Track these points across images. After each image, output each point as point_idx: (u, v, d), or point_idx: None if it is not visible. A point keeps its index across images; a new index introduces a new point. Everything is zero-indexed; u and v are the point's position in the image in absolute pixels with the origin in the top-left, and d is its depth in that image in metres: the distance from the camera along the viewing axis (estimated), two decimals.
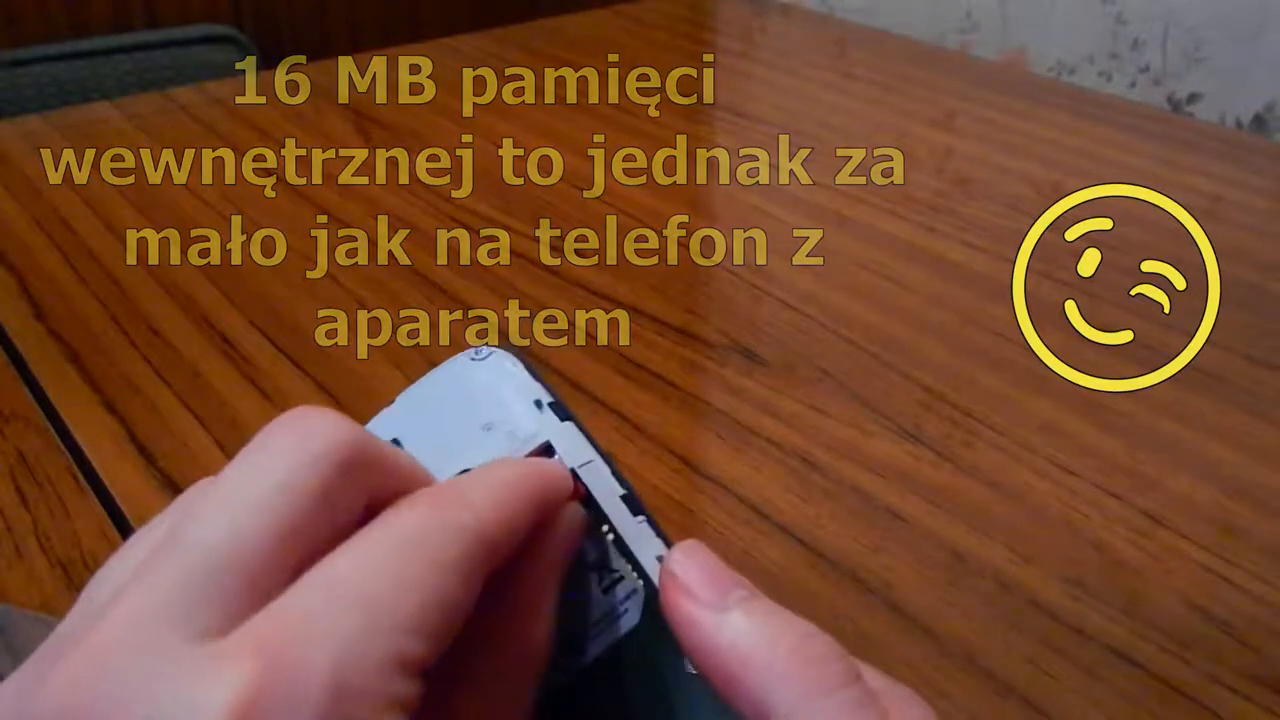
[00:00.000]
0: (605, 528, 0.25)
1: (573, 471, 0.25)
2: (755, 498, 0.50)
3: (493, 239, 0.73)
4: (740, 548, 0.47)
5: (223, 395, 0.57)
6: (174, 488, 0.51)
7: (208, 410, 0.56)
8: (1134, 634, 0.43)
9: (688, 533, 0.44)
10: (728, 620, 0.22)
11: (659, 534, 0.25)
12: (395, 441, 0.27)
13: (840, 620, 0.44)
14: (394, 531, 0.21)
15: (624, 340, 0.62)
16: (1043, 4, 1.20)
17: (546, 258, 0.71)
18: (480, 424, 0.26)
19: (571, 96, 0.98)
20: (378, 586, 0.19)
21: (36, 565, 0.46)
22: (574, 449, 0.26)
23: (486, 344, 0.27)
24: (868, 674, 0.23)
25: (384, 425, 0.28)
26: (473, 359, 0.27)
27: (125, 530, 0.48)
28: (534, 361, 0.28)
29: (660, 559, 0.25)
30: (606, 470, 0.26)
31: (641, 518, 0.25)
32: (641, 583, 0.25)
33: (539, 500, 0.24)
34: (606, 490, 0.25)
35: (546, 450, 0.26)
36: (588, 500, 0.25)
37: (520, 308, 0.65)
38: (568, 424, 0.26)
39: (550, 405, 0.26)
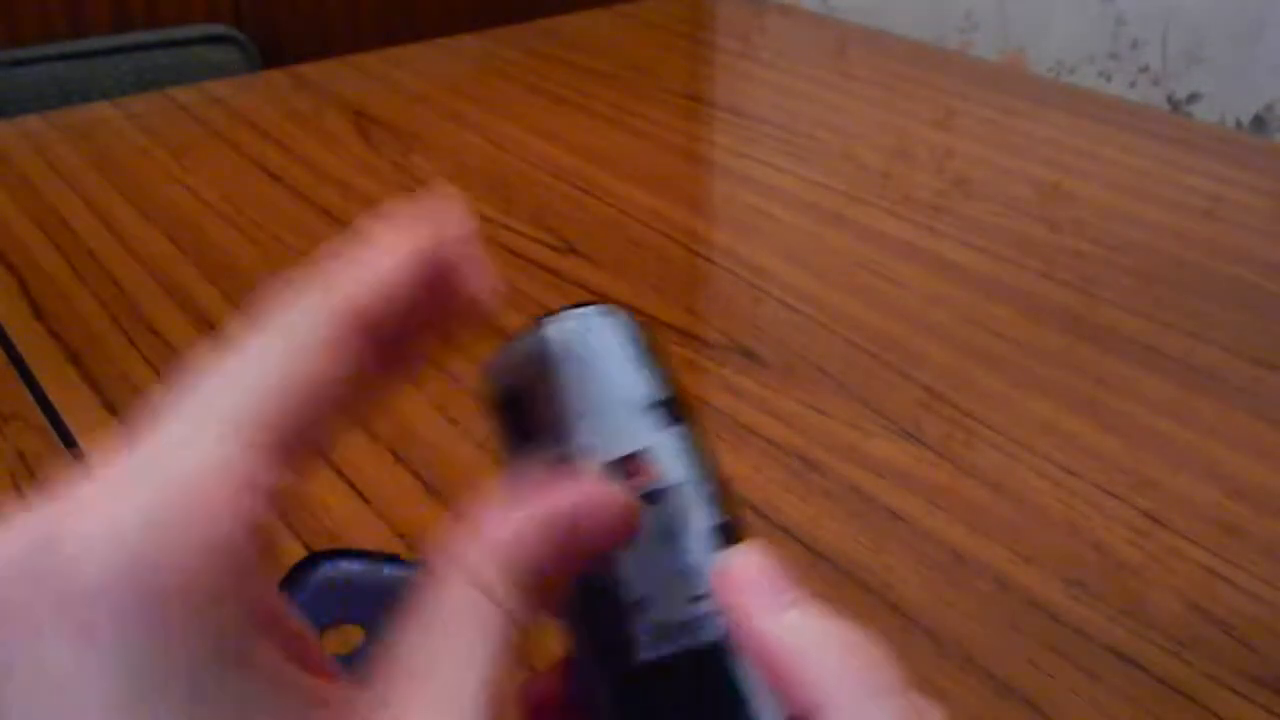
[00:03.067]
0: (690, 548, 0.24)
1: (664, 487, 0.25)
2: (755, 498, 0.50)
3: (493, 239, 0.73)
4: None
5: None
6: None
7: None
8: (1134, 634, 0.43)
9: None
10: (785, 617, 0.22)
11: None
12: (515, 394, 0.27)
13: None
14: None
15: None
16: (1043, 4, 1.20)
17: (546, 258, 0.71)
18: (592, 403, 0.26)
19: (571, 96, 0.98)
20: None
21: None
22: (672, 462, 0.25)
23: (607, 307, 0.26)
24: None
25: (505, 367, 0.28)
26: (596, 319, 0.27)
27: None
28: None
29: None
30: (703, 495, 0.25)
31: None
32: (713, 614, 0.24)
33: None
34: (697, 516, 0.24)
35: (642, 454, 0.25)
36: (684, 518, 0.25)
37: (521, 307, 0.65)
38: (678, 432, 0.25)
39: (661, 403, 0.25)
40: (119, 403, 0.57)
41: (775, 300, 0.66)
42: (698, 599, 0.24)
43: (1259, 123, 1.07)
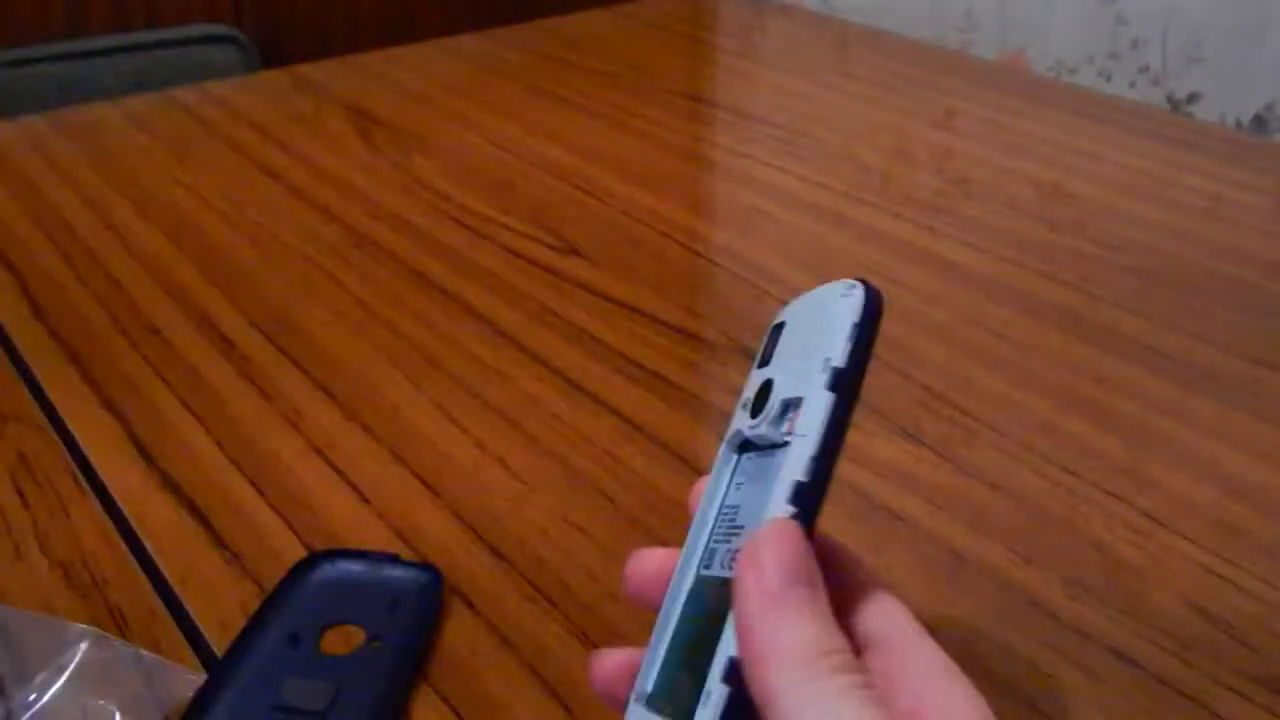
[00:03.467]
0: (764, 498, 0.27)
1: (791, 438, 0.27)
2: None
3: (493, 239, 0.73)
4: None
5: (223, 395, 0.57)
6: (174, 488, 0.51)
7: (208, 410, 0.56)
8: (1134, 634, 0.43)
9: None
10: (781, 610, 0.24)
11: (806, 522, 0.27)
12: (781, 324, 0.31)
13: None
14: None
15: (624, 340, 0.62)
16: (1043, 4, 1.20)
17: (546, 258, 0.71)
18: (805, 349, 0.29)
19: (571, 96, 0.98)
20: None
21: (36, 565, 0.46)
22: (809, 417, 0.27)
23: (857, 283, 0.29)
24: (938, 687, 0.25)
25: (793, 307, 0.32)
26: (842, 291, 0.29)
27: (125, 530, 0.48)
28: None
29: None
30: (808, 453, 0.27)
31: (793, 508, 0.27)
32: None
33: None
34: (792, 468, 0.27)
35: (797, 404, 0.28)
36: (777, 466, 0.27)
37: (520, 307, 0.65)
38: (827, 394, 0.27)
39: (833, 370, 0.28)
40: (119, 403, 0.57)
41: (775, 300, 0.66)
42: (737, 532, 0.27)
43: (1259, 123, 1.07)
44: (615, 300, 0.66)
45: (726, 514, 0.29)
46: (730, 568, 0.26)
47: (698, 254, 0.73)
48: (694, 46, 1.15)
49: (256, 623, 0.42)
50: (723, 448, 0.30)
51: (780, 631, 0.24)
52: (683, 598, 0.28)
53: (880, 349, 0.59)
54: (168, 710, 0.39)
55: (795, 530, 0.25)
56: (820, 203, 0.79)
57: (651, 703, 0.27)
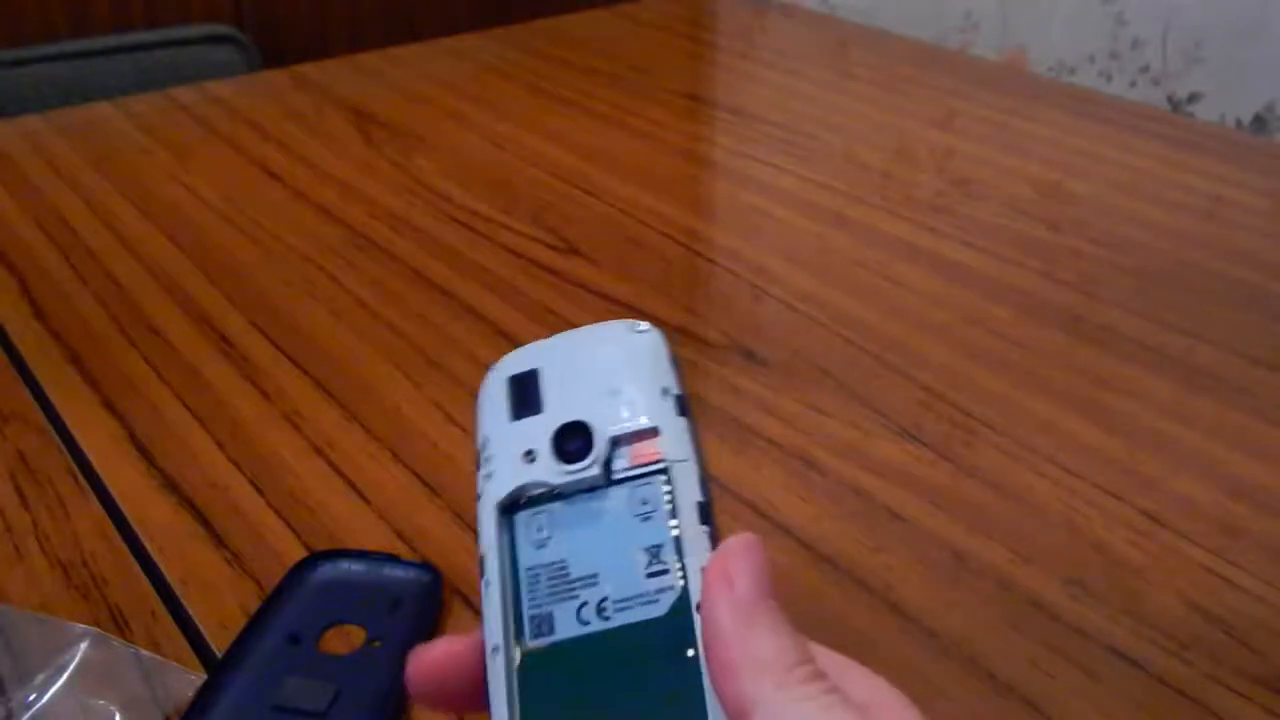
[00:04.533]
0: (674, 523, 0.26)
1: (665, 465, 0.27)
2: (755, 497, 0.50)
3: (493, 239, 0.73)
4: None
5: (223, 395, 0.57)
6: (174, 488, 0.51)
7: (208, 410, 0.56)
8: (1134, 634, 0.43)
9: None
10: (753, 622, 0.24)
11: (713, 546, 0.26)
12: (533, 372, 0.29)
13: (840, 620, 0.44)
14: None
15: None
16: (1043, 4, 1.20)
17: (547, 257, 0.71)
18: (610, 387, 0.28)
19: (571, 96, 0.98)
20: None
21: (36, 565, 0.46)
22: (676, 443, 0.27)
23: (647, 323, 0.29)
24: (867, 683, 0.25)
25: (530, 355, 0.29)
26: (631, 330, 0.29)
27: (125, 530, 0.48)
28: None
29: (703, 570, 0.26)
30: (695, 474, 0.27)
31: (706, 528, 0.26)
32: (682, 584, 0.26)
33: None
34: (688, 491, 0.27)
35: (650, 434, 0.27)
36: (671, 496, 0.27)
37: (521, 307, 0.65)
38: (682, 420, 0.27)
39: (675, 397, 0.28)
40: (119, 403, 0.57)
41: (775, 300, 0.66)
42: (660, 573, 0.26)
43: (1259, 123, 1.07)
44: (615, 300, 0.66)
45: (536, 576, 0.27)
46: (606, 618, 0.26)
47: (698, 254, 0.73)
48: (694, 46, 1.15)
49: (256, 623, 0.42)
50: (485, 512, 0.28)
51: (753, 643, 0.24)
52: (517, 682, 0.26)
53: (880, 349, 0.59)
54: (168, 710, 0.39)
55: (759, 545, 0.25)
56: (820, 203, 0.79)
57: None
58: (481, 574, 0.27)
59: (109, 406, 0.56)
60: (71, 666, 0.39)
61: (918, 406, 0.56)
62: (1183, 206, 0.78)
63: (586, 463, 0.27)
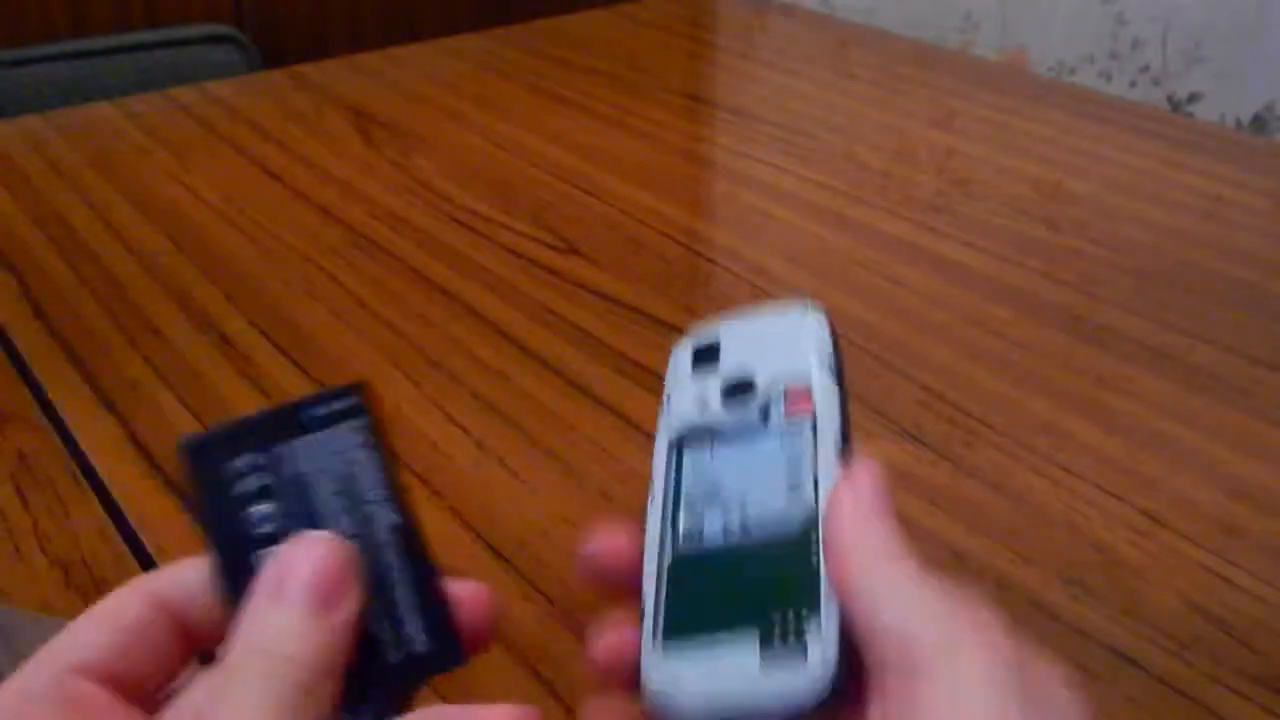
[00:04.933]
0: (815, 464, 0.31)
1: (814, 417, 0.31)
2: None
3: (493, 239, 0.73)
4: None
5: (223, 395, 0.57)
6: (174, 488, 0.51)
7: (208, 410, 0.56)
8: (1134, 634, 0.43)
9: None
10: (869, 521, 0.28)
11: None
12: (715, 340, 0.34)
13: None
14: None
15: (624, 340, 0.62)
16: (1043, 4, 1.20)
17: (546, 258, 0.71)
18: (776, 353, 0.33)
19: (571, 96, 0.98)
20: None
21: (36, 565, 0.46)
22: (825, 402, 0.32)
23: (817, 305, 0.34)
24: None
25: (715, 328, 0.34)
26: (803, 310, 0.34)
27: (125, 530, 0.48)
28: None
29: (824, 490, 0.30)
30: (836, 428, 0.31)
31: (841, 470, 0.30)
32: (814, 511, 0.30)
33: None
34: (829, 441, 0.31)
35: (804, 392, 0.32)
36: (815, 443, 0.31)
37: (521, 307, 0.65)
38: (833, 385, 0.32)
39: (830, 366, 0.32)
40: (119, 403, 0.57)
41: (775, 300, 0.66)
42: (797, 501, 0.30)
43: (1259, 123, 1.07)
44: (615, 300, 0.66)
45: (694, 496, 0.32)
46: (747, 534, 0.31)
47: (698, 254, 0.73)
48: (694, 46, 1.15)
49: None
50: (660, 443, 0.34)
51: (868, 533, 0.28)
52: (667, 576, 0.31)
53: (880, 349, 0.59)
54: None
55: (883, 474, 0.29)
56: (820, 203, 0.79)
57: (674, 653, 0.30)
58: (650, 491, 0.33)
59: (109, 406, 0.56)
60: None
61: (918, 406, 0.56)
62: (1182, 206, 0.78)
63: (748, 410, 0.32)
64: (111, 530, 0.48)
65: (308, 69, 1.04)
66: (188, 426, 0.55)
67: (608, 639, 0.31)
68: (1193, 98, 1.11)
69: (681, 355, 0.35)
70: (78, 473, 0.52)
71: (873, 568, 0.28)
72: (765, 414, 0.32)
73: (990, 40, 1.26)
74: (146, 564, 0.47)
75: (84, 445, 0.54)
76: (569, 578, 0.46)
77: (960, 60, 1.17)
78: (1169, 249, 0.73)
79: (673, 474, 0.33)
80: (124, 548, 0.47)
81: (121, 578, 0.46)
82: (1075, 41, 1.18)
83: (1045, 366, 0.60)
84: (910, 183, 0.82)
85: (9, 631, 0.41)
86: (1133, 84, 1.14)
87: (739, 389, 0.33)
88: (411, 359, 0.60)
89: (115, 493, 0.50)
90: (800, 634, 0.29)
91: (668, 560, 0.32)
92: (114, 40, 1.41)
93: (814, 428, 0.31)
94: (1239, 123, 1.08)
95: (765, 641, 0.29)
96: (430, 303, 0.66)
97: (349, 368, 0.60)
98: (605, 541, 0.33)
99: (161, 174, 0.83)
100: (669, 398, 0.34)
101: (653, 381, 0.59)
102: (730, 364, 0.34)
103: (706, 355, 0.35)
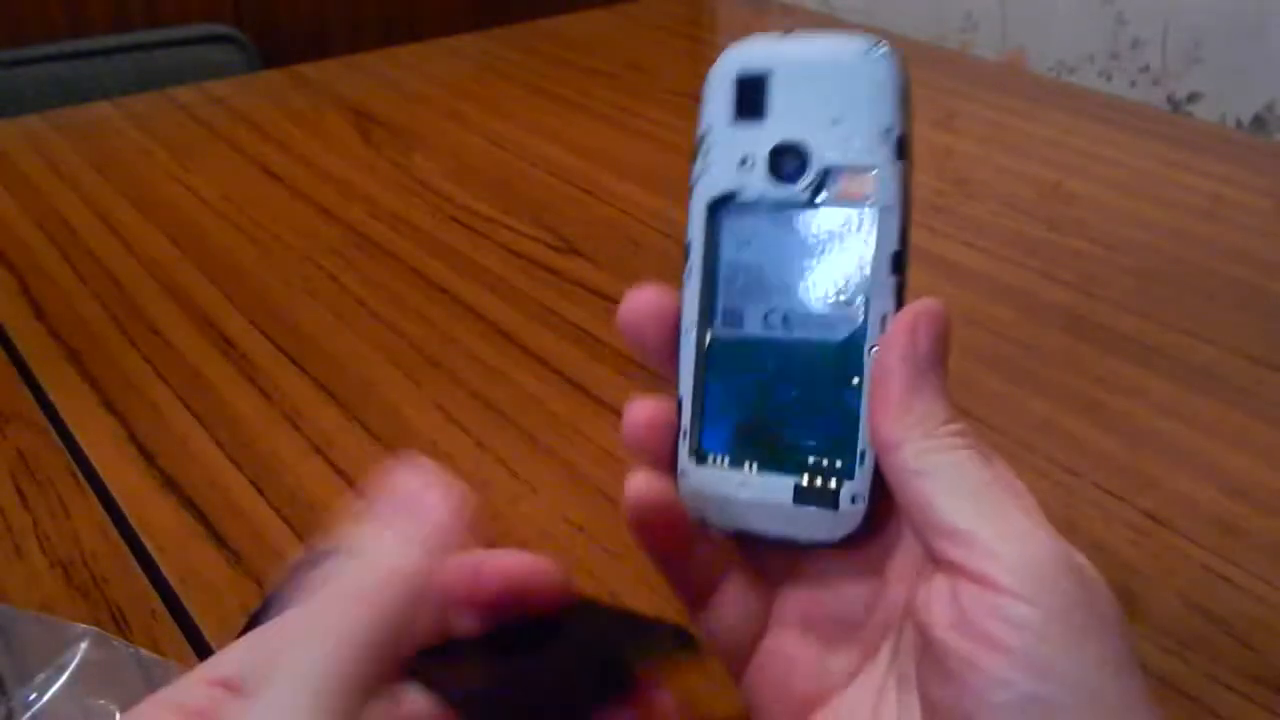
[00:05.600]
0: (868, 263, 0.28)
1: (872, 205, 0.28)
2: None
3: (493, 239, 0.73)
4: None
5: (223, 395, 0.57)
6: (174, 487, 0.51)
7: (208, 410, 0.56)
8: (1134, 634, 0.43)
9: None
10: (921, 383, 0.27)
11: (898, 298, 0.28)
12: (763, 77, 0.30)
13: None
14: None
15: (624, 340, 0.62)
16: (1043, 4, 1.20)
17: (546, 257, 0.71)
18: (834, 114, 0.29)
19: (571, 96, 0.98)
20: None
21: (36, 565, 0.46)
22: (886, 186, 0.28)
23: (886, 44, 0.29)
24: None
25: (763, 54, 0.31)
26: (869, 50, 0.29)
27: (125, 530, 0.48)
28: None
29: (884, 318, 0.28)
30: (897, 221, 0.28)
31: (896, 278, 0.28)
32: (861, 320, 0.28)
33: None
34: (888, 236, 0.28)
35: (864, 170, 0.28)
36: (871, 238, 0.28)
37: (520, 307, 0.65)
38: (898, 163, 0.28)
39: (896, 138, 0.28)
40: (119, 403, 0.57)
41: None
42: (844, 304, 0.28)
43: (1259, 123, 1.07)
44: (615, 300, 0.66)
45: (734, 272, 0.29)
46: (789, 328, 0.28)
47: None
48: (694, 46, 1.15)
49: (257, 622, 0.42)
50: (696, 204, 0.30)
51: (916, 396, 0.27)
52: (704, 360, 0.29)
53: None
54: None
55: (945, 314, 0.28)
56: None
57: (709, 458, 0.29)
58: (686, 259, 0.30)
59: (109, 406, 0.56)
60: (72, 666, 0.39)
61: None
62: (1182, 206, 0.78)
63: (798, 185, 0.29)
64: (111, 530, 0.48)
65: (307, 69, 1.04)
66: (187, 426, 0.55)
67: (639, 416, 0.31)
68: (1193, 98, 1.11)
69: (721, 85, 0.31)
70: (78, 473, 0.52)
71: (915, 434, 0.27)
72: (817, 191, 0.28)
73: (990, 40, 1.26)
74: (146, 564, 0.47)
75: (84, 445, 0.54)
76: (569, 578, 0.46)
77: (960, 60, 1.17)
78: (1169, 249, 0.73)
79: (710, 243, 0.30)
80: (124, 548, 0.47)
81: (121, 578, 0.46)
82: (1075, 41, 1.18)
83: (1045, 366, 0.60)
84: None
85: (9, 631, 0.41)
86: (1133, 84, 1.14)
87: (788, 155, 0.29)
88: (411, 359, 0.60)
89: (115, 492, 0.50)
90: (834, 484, 0.28)
91: (704, 342, 0.30)
92: (113, 40, 1.41)
93: (871, 221, 0.28)
94: (1239, 123, 1.08)
95: (798, 487, 0.28)
96: (430, 303, 0.66)
97: (349, 368, 0.60)
98: (640, 298, 0.31)
99: (161, 174, 0.83)
100: (704, 139, 0.31)
101: (652, 381, 0.59)
102: (780, 120, 0.29)
103: (752, 98, 0.30)
